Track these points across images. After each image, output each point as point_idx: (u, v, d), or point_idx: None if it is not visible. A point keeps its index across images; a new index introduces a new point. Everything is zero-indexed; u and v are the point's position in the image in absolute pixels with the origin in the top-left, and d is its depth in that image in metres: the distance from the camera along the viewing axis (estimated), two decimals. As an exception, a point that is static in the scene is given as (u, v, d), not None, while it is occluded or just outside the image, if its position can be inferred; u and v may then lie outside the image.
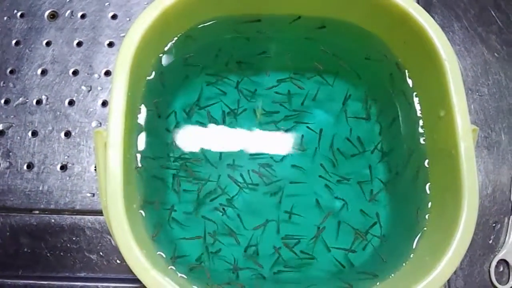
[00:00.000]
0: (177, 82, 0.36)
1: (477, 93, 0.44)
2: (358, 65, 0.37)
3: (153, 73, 0.34)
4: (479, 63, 0.45)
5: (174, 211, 0.33)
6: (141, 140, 0.33)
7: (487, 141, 0.43)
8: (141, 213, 0.31)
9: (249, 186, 0.34)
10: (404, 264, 0.31)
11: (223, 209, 0.34)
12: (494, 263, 0.40)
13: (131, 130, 0.31)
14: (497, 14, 0.46)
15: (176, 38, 0.35)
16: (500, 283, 0.40)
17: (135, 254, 0.27)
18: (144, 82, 0.33)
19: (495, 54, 0.45)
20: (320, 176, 0.35)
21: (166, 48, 0.34)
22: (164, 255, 0.31)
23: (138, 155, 0.32)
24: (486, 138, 0.43)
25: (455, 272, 0.40)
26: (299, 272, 0.33)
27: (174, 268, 0.30)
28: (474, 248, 0.40)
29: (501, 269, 0.40)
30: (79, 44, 0.44)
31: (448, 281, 0.40)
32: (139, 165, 0.32)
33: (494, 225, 0.41)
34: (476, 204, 0.28)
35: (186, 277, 0.30)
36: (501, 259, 0.40)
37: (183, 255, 0.32)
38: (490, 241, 0.41)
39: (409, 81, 0.35)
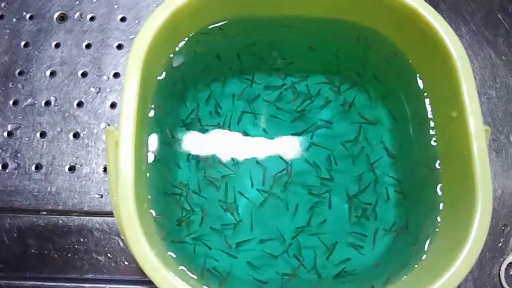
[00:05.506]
0: (188, 82, 0.36)
1: (485, 96, 0.44)
2: (367, 67, 0.37)
3: (164, 73, 0.34)
4: (486, 66, 0.45)
5: (187, 213, 0.33)
6: (152, 139, 0.33)
7: (495, 144, 0.43)
8: (152, 213, 0.31)
9: (263, 187, 0.34)
10: (416, 266, 0.31)
11: (235, 210, 0.34)
12: (504, 266, 0.40)
13: (142, 129, 0.31)
14: (505, 17, 0.46)
15: (187, 39, 0.35)
16: (510, 286, 0.39)
17: (146, 253, 0.27)
18: (155, 82, 0.33)
19: (503, 57, 0.45)
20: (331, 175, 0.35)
21: (177, 49, 0.35)
22: (174, 256, 0.30)
23: (149, 154, 0.32)
24: (494, 141, 0.43)
25: (464, 275, 0.39)
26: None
27: (184, 268, 0.30)
28: (483, 251, 0.40)
29: (511, 272, 0.40)
30: (88, 46, 0.45)
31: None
32: (150, 164, 0.32)
33: (503, 228, 0.41)
34: (490, 204, 0.28)
35: (197, 278, 0.30)
36: (511, 262, 0.40)
37: (194, 257, 0.32)
38: (500, 244, 0.40)
39: (420, 82, 0.35)
